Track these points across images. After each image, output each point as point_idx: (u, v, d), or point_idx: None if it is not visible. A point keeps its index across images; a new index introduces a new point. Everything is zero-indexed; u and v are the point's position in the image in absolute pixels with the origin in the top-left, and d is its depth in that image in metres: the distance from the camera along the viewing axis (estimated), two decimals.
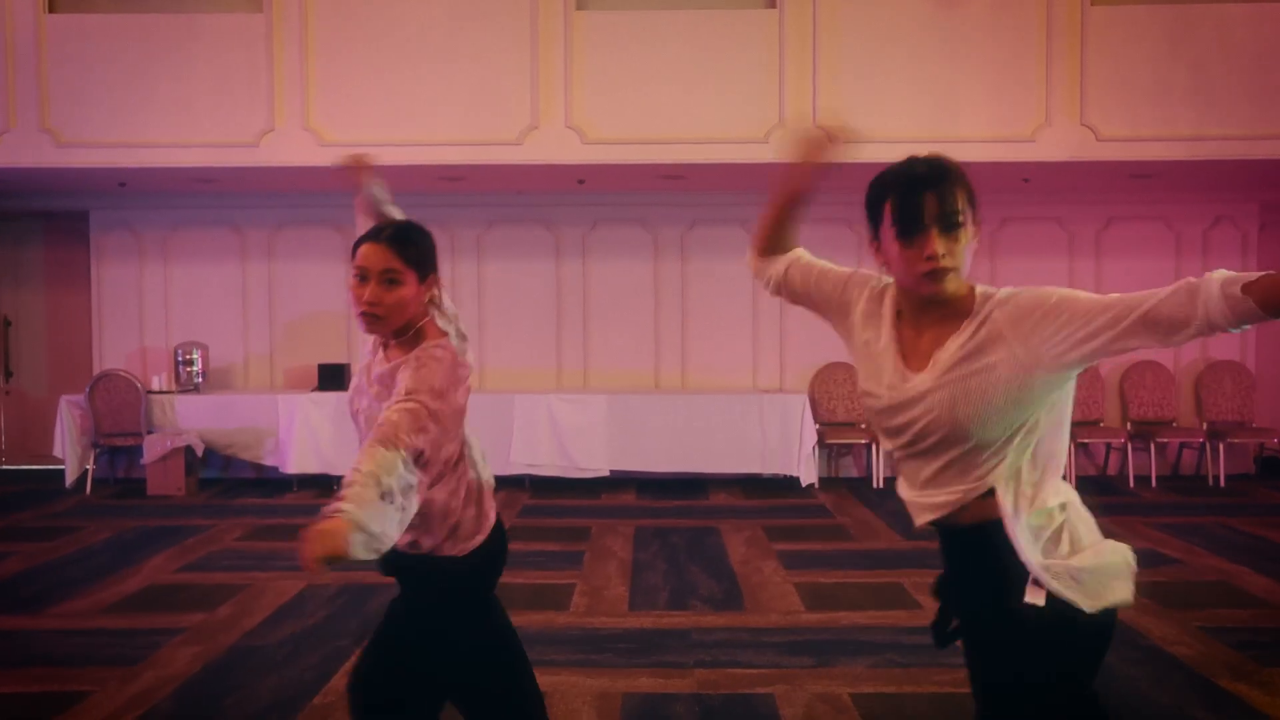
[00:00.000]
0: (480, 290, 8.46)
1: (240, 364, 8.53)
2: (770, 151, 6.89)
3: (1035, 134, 6.89)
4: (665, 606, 4.66)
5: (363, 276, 2.08)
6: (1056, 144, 6.90)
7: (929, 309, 1.75)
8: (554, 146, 6.97)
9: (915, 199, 1.67)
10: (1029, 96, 6.91)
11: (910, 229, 1.68)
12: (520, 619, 4.47)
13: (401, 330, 2.13)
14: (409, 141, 6.92)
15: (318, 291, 8.42)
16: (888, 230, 1.72)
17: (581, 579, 5.14)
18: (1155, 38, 6.86)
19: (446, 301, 2.26)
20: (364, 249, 2.09)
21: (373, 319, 2.08)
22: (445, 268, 8.44)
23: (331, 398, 7.66)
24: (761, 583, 5.06)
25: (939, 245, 1.66)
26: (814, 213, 8.22)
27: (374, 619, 4.52)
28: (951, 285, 1.70)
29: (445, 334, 2.16)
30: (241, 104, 7.00)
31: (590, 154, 6.95)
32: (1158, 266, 8.39)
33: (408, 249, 2.09)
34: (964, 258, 1.69)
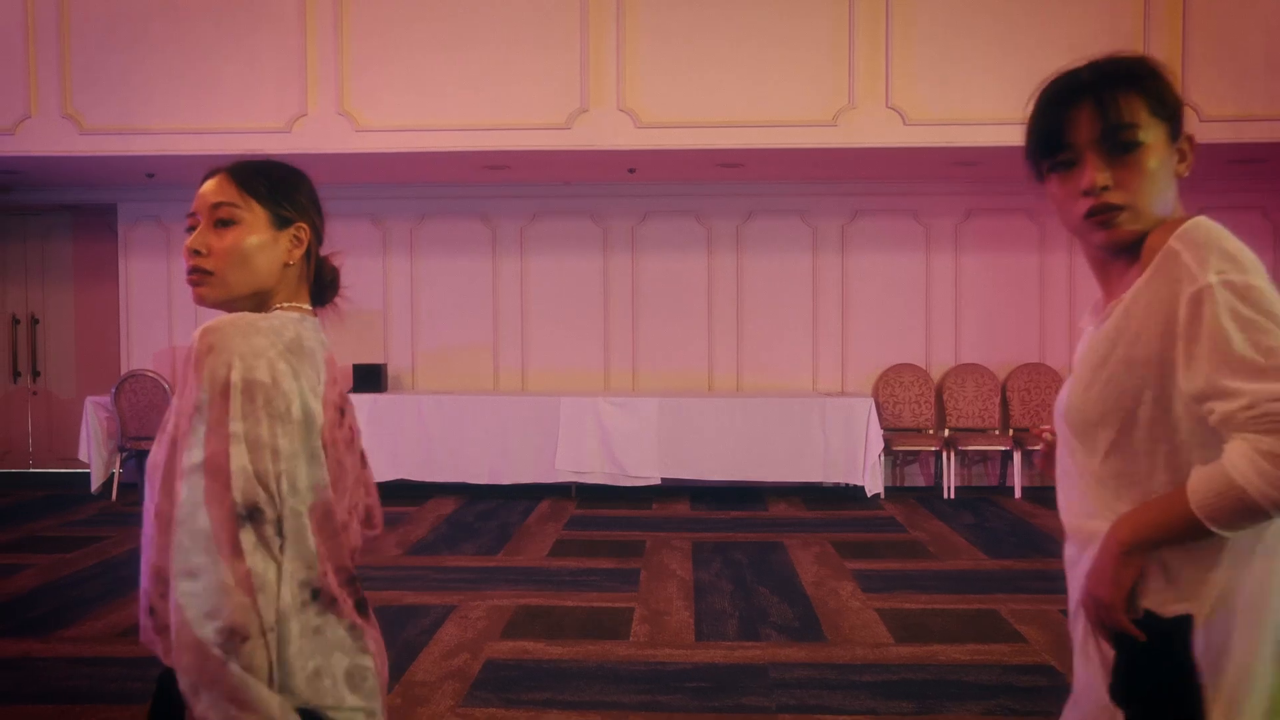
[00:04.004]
0: (523, 286, 8.00)
1: None
2: (838, 135, 6.36)
3: None
4: (736, 636, 4.15)
5: (192, 227, 1.47)
6: None
7: (1113, 266, 1.31)
8: (605, 131, 6.48)
9: (1062, 113, 1.26)
10: None
11: (1057, 153, 1.27)
12: (576, 649, 4.02)
13: (248, 303, 1.48)
14: (450, 126, 6.48)
15: (355, 288, 7.93)
16: (1041, 161, 1.33)
17: (640, 602, 4.65)
18: (1269, 1, 6.23)
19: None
20: (199, 190, 1.48)
21: (198, 276, 1.44)
22: (487, 262, 8.11)
23: (367, 400, 7.26)
24: (840, 608, 4.54)
25: (1099, 174, 1.23)
26: (878, 204, 7.52)
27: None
28: (1130, 227, 1.24)
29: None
30: (273, 88, 6.59)
31: (644, 139, 6.45)
32: None
33: (252, 178, 1.47)
34: (1151, 190, 1.24)
